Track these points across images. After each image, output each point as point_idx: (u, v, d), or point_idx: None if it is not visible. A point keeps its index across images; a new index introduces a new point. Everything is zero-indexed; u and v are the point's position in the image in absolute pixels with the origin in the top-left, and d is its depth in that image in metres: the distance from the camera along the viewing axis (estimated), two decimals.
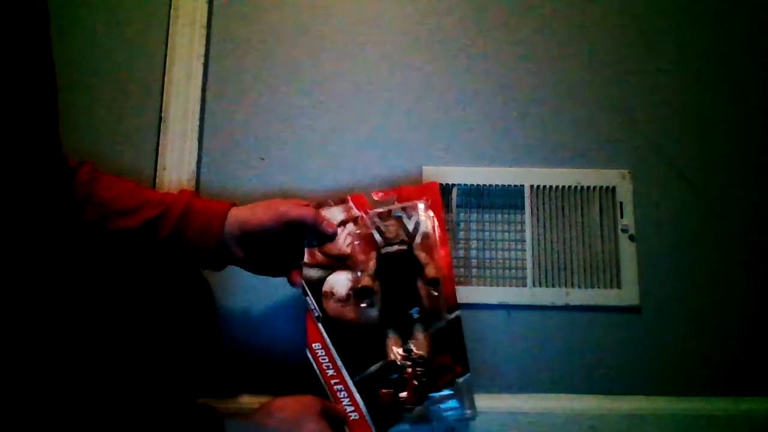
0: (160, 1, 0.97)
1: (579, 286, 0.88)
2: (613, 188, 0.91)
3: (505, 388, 0.86)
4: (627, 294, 0.88)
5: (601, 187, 0.91)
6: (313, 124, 0.94)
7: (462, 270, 0.89)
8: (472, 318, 0.88)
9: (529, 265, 0.89)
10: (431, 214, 0.73)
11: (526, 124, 0.94)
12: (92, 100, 0.94)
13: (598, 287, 0.88)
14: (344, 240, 0.71)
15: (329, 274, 0.70)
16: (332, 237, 0.70)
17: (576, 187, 0.91)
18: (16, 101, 0.48)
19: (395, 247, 0.70)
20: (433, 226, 0.72)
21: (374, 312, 0.69)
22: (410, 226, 0.71)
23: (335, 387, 0.66)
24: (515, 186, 0.91)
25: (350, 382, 0.66)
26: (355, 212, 0.72)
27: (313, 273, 0.69)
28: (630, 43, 0.97)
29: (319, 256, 0.70)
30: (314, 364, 0.67)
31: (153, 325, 0.58)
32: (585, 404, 0.85)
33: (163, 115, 0.93)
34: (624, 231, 0.90)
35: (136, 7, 0.97)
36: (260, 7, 0.98)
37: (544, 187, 0.91)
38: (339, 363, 0.67)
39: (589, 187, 0.91)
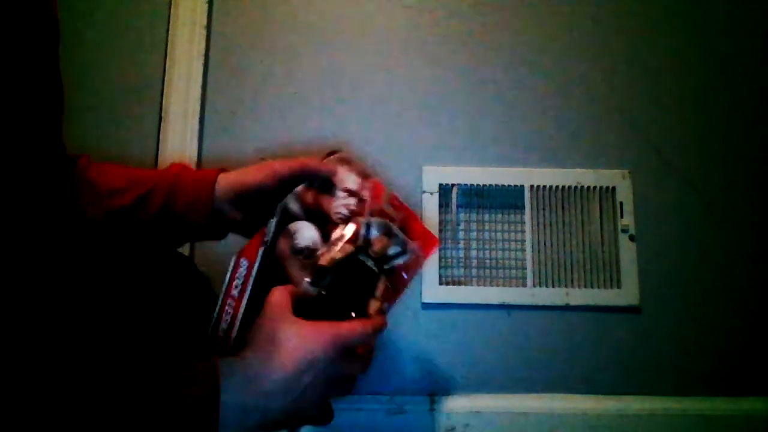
0: (160, 1, 0.97)
1: (579, 286, 0.88)
2: (613, 188, 0.91)
3: (505, 388, 0.86)
4: (627, 294, 0.88)
5: (601, 187, 0.91)
6: (313, 124, 0.94)
7: (462, 270, 0.89)
8: (472, 318, 0.88)
9: (529, 265, 0.89)
10: (418, 261, 0.69)
11: (526, 124, 0.94)
12: (92, 100, 0.94)
13: (598, 287, 0.88)
14: (337, 205, 0.68)
15: (304, 218, 0.66)
16: (331, 175, 0.65)
17: (576, 187, 0.91)
18: (22, 105, 0.48)
19: (370, 263, 0.67)
20: (408, 275, 0.68)
21: (310, 291, 0.66)
22: (389, 252, 0.68)
23: (226, 309, 0.60)
24: (515, 186, 0.91)
25: (239, 319, 0.60)
26: (366, 195, 0.69)
27: (293, 206, 0.67)
28: (630, 43, 0.97)
29: (309, 197, 0.68)
30: (228, 274, 0.61)
31: (149, 318, 0.58)
32: (585, 404, 0.85)
33: (163, 115, 0.93)
34: (624, 231, 0.90)
35: (136, 7, 0.97)
36: (260, 7, 0.98)
37: (544, 187, 0.91)
38: (246, 295, 0.61)
39: (589, 187, 0.91)
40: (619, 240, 0.90)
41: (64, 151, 0.62)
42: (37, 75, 0.51)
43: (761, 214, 0.91)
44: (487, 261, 0.89)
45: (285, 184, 0.65)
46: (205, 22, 0.96)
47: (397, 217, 0.68)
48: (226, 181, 0.65)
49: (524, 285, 0.88)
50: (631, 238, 0.90)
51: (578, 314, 0.88)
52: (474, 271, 0.89)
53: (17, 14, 0.47)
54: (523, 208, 0.90)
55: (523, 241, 0.90)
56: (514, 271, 0.89)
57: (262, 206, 0.66)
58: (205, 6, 0.96)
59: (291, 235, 0.65)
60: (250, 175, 0.65)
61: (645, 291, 0.88)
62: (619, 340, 0.88)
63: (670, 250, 0.90)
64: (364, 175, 0.68)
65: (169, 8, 0.96)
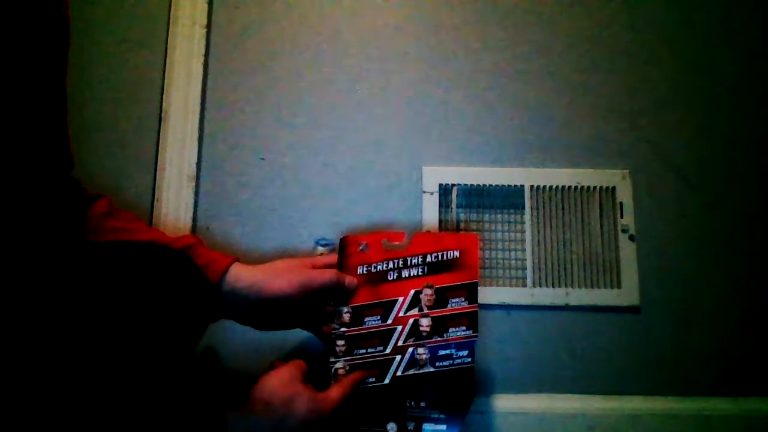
0: (160, 1, 0.97)
1: (579, 286, 0.88)
2: (613, 188, 0.91)
3: (505, 388, 0.86)
4: (627, 294, 0.88)
5: (601, 187, 0.91)
6: (313, 123, 0.94)
7: None
8: None
9: (529, 265, 0.89)
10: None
11: (526, 124, 0.94)
12: (92, 100, 0.94)
13: (598, 287, 0.88)
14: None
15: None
16: (354, 291, 0.71)
17: (576, 187, 0.91)
18: (27, 105, 0.49)
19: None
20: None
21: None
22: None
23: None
24: (515, 186, 0.91)
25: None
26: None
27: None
28: (630, 43, 0.97)
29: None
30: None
31: (152, 323, 0.58)
32: (585, 404, 0.85)
33: (163, 115, 0.93)
34: (624, 231, 0.90)
35: (136, 7, 0.97)
36: (260, 7, 0.98)
37: (544, 187, 0.91)
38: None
39: (589, 187, 0.91)
40: (619, 240, 0.90)
41: (70, 160, 0.62)
42: (44, 77, 0.52)
43: (761, 214, 0.91)
44: (487, 261, 0.89)
45: (313, 293, 0.68)
46: (205, 22, 0.96)
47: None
48: (251, 282, 0.66)
49: (524, 285, 0.88)
50: (631, 238, 0.90)
51: (578, 314, 0.88)
52: None
53: (26, 13, 0.48)
54: (523, 208, 0.90)
55: (523, 241, 0.90)
56: (514, 271, 0.89)
57: (281, 310, 0.68)
58: (205, 6, 0.96)
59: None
60: (280, 285, 0.66)
61: (645, 291, 0.88)
62: (619, 340, 0.88)
63: (670, 250, 0.90)
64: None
65: (169, 8, 0.96)
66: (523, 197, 0.91)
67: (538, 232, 0.90)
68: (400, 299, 0.70)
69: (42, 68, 0.52)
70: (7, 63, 0.47)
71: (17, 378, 0.42)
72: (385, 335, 0.69)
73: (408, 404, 0.67)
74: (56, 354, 0.46)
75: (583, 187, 0.91)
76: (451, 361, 0.68)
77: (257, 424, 0.56)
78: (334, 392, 0.64)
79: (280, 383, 0.60)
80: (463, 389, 0.67)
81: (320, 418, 0.61)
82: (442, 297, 0.70)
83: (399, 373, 0.68)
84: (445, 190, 0.91)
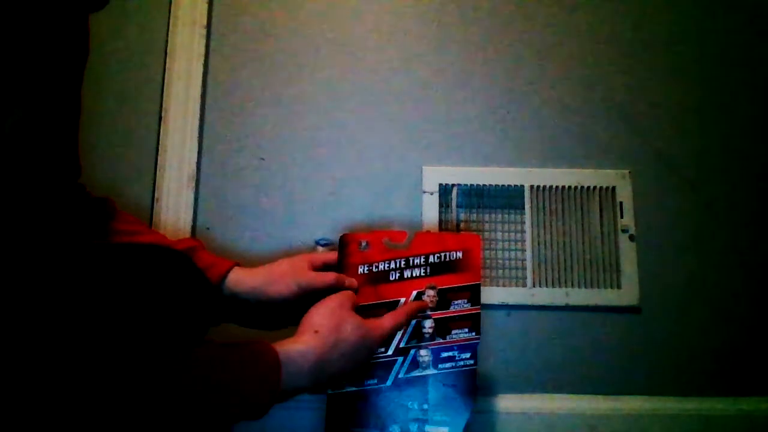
0: (160, 1, 0.97)
1: (579, 286, 0.88)
2: (613, 188, 0.91)
3: (505, 388, 0.86)
4: (627, 294, 0.88)
5: (601, 187, 0.91)
6: (313, 123, 0.94)
7: None
8: None
9: (529, 265, 0.89)
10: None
11: (526, 124, 0.94)
12: (92, 100, 0.93)
13: (598, 287, 0.88)
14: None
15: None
16: (355, 292, 0.70)
17: (576, 187, 0.91)
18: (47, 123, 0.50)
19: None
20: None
21: None
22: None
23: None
24: (515, 186, 0.91)
25: None
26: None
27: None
28: (630, 43, 0.97)
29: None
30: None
31: (155, 323, 0.58)
32: (585, 404, 0.85)
33: (163, 115, 0.93)
34: (624, 231, 0.90)
35: (136, 7, 0.97)
36: (260, 7, 0.98)
37: (544, 187, 0.91)
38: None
39: (589, 187, 0.91)
40: (619, 240, 0.90)
41: (78, 168, 0.63)
42: (64, 89, 0.53)
43: (761, 214, 0.91)
44: (487, 261, 0.89)
45: (312, 293, 0.68)
46: (205, 22, 0.96)
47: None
48: (252, 284, 0.67)
49: (524, 285, 0.88)
50: (631, 238, 0.90)
51: (578, 314, 0.88)
52: None
53: (55, 28, 0.48)
54: (523, 208, 0.90)
55: (523, 241, 0.90)
56: (514, 271, 0.89)
57: (280, 311, 0.68)
58: (205, 6, 0.96)
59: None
60: (277, 289, 0.67)
61: (645, 291, 0.88)
62: (619, 340, 0.88)
63: (670, 250, 0.90)
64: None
65: (169, 8, 0.96)
66: (523, 197, 0.91)
67: (538, 232, 0.90)
68: (403, 300, 0.70)
69: (63, 80, 0.52)
70: (37, 76, 0.47)
71: (28, 374, 0.42)
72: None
73: (410, 407, 0.66)
74: (64, 354, 0.46)
75: (583, 187, 0.91)
76: (454, 363, 0.68)
77: (307, 352, 0.55)
78: (387, 321, 0.63)
79: (328, 311, 0.60)
80: (465, 391, 0.67)
81: (371, 346, 0.61)
82: (444, 298, 0.70)
83: (401, 375, 0.67)
84: (445, 190, 0.91)
